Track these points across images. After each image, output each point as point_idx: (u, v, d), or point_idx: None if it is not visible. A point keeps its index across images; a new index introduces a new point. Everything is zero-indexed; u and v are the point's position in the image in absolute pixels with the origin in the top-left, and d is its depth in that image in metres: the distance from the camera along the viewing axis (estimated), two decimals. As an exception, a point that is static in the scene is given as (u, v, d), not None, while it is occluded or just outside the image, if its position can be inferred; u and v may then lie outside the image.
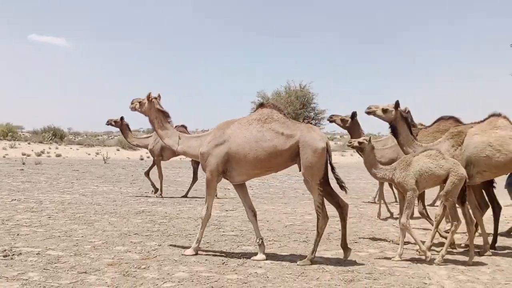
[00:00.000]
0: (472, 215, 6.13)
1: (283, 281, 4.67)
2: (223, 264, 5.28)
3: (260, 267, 5.21)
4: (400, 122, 6.29)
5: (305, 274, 4.94)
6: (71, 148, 37.07)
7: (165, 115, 6.25)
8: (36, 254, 5.44)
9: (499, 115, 6.30)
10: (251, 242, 6.44)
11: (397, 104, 6.27)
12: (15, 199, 9.96)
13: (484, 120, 6.31)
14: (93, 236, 6.60)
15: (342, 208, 5.58)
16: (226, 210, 9.48)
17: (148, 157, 31.68)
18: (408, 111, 8.03)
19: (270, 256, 5.69)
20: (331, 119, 7.81)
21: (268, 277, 4.80)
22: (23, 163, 19.99)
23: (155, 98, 6.24)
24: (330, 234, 7.20)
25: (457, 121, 6.92)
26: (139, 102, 6.25)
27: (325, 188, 5.48)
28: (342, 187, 5.65)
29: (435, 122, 7.20)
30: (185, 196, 11.69)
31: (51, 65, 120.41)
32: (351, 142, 5.92)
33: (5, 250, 5.51)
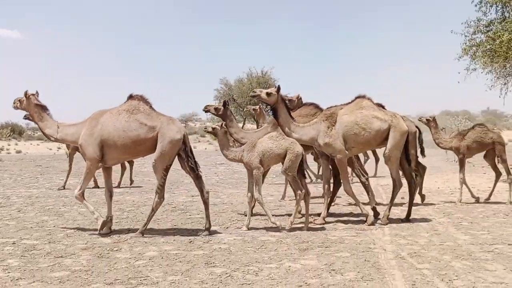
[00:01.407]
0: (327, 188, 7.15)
1: (245, 253, 5.19)
2: (190, 242, 5.75)
3: (224, 243, 5.70)
4: (280, 105, 6.75)
5: (265, 247, 5.48)
6: (31, 144, 36.40)
7: (43, 108, 6.72)
8: (12, 244, 5.74)
9: (363, 96, 7.01)
10: (215, 223, 6.91)
11: (278, 89, 6.75)
12: (-19, 196, 10.06)
13: (352, 101, 7.00)
14: (65, 225, 6.91)
15: (203, 194, 6.31)
16: (192, 196, 9.91)
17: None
18: (300, 98, 8.58)
19: (234, 234, 6.21)
20: (206, 109, 8.16)
21: (231, 251, 5.31)
22: (-16, 161, 19.69)
23: (33, 94, 6.71)
24: (291, 211, 7.79)
25: (316, 107, 7.83)
26: (19, 101, 6.76)
27: (193, 175, 6.27)
28: (196, 171, 6.28)
29: (298, 107, 8.03)
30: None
31: (4, 57, 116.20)
32: (206, 128, 6.86)
33: (-20, 242, 5.77)
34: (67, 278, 4.36)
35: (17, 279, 4.33)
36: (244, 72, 39.32)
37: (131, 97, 6.39)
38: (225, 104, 8.01)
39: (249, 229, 6.45)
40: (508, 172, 8.66)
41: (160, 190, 6.14)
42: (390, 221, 6.92)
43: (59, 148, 32.21)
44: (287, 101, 7.19)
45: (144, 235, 6.11)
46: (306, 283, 4.14)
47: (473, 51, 10.97)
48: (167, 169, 6.13)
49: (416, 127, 8.38)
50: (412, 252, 5.14)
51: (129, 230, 6.50)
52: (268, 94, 6.69)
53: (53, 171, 16.37)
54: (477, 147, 8.72)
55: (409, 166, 7.17)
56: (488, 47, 10.44)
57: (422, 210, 7.92)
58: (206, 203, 6.33)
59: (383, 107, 7.21)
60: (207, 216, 6.26)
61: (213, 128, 6.68)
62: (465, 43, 11.12)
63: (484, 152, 8.98)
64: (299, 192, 6.41)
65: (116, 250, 5.40)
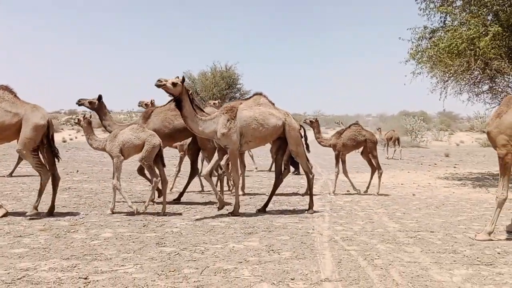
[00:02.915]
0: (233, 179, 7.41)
1: (194, 236, 5.65)
2: (143, 226, 6.16)
3: (176, 227, 6.15)
4: (185, 97, 6.69)
5: (213, 230, 5.96)
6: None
7: None
8: (-30, 224, 5.99)
9: (261, 94, 7.40)
10: (170, 210, 7.34)
11: (183, 79, 6.73)
12: None
13: (250, 97, 7.41)
14: (23, 209, 7.16)
15: (55, 178, 6.90)
16: (149, 185, 10.24)
17: (71, 139, 31.35)
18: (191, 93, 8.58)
19: (186, 219, 6.66)
20: (80, 103, 8.26)
21: (182, 233, 5.76)
22: None
23: None
24: (241, 201, 8.30)
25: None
26: None
27: (50, 160, 6.84)
28: (57, 156, 6.88)
29: (168, 102, 8.22)
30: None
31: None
32: (72, 119, 7.42)
33: None
34: (26, 254, 4.70)
35: (-23, 255, 4.64)
36: (208, 66, 39.58)
37: None
38: (99, 98, 8.16)
39: (165, 214, 6.93)
40: (378, 167, 9.65)
41: (41, 168, 6.69)
42: (334, 210, 7.53)
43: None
44: (190, 93, 7.14)
45: (99, 219, 6.47)
46: (245, 260, 4.64)
47: (418, 56, 11.78)
48: (34, 150, 6.64)
49: (300, 125, 9.31)
50: (345, 237, 5.74)
51: (86, 215, 6.84)
52: (173, 84, 6.52)
53: (11, 158, 16.28)
54: (352, 144, 9.66)
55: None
56: (431, 53, 11.25)
57: (363, 201, 8.59)
58: (53, 187, 6.90)
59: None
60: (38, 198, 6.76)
61: (78, 119, 7.22)
62: (412, 49, 11.93)
63: (361, 149, 9.93)
64: (154, 179, 7.05)
65: (73, 232, 5.74)
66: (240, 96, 40.13)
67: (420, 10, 11.81)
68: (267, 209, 7.50)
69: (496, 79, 12.60)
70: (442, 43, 10.53)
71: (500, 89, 12.95)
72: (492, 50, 10.19)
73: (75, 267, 4.29)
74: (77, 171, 12.93)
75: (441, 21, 11.80)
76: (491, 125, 5.82)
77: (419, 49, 11.83)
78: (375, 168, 9.74)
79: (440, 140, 36.60)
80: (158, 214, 6.96)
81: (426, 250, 5.17)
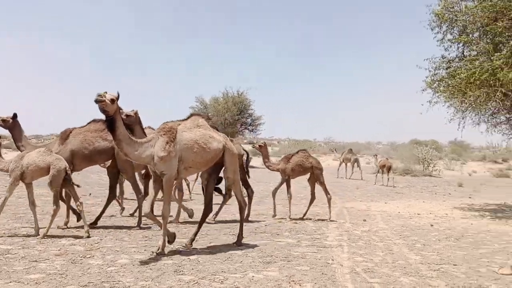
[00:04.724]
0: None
1: (212, 264, 5.53)
2: (160, 253, 6.05)
3: (193, 254, 6.04)
4: (118, 116, 5.85)
5: (231, 259, 5.84)
6: None
7: None
8: (-14, 247, 5.93)
9: (199, 114, 6.86)
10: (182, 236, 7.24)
11: (118, 96, 5.94)
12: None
13: (188, 118, 6.62)
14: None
15: None
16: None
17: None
18: (136, 112, 7.85)
19: (200, 245, 6.56)
20: None
21: (199, 261, 5.65)
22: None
23: None
24: (257, 228, 8.18)
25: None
26: None
27: None
28: None
29: (88, 123, 8.04)
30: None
31: None
32: None
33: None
34: (43, 280, 4.62)
35: (-6, 279, 4.57)
36: (220, 92, 39.95)
37: None
38: (14, 116, 7.97)
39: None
40: (326, 192, 9.68)
41: None
42: (352, 240, 7.38)
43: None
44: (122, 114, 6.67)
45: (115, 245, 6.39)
46: (266, 291, 4.52)
47: (435, 86, 11.74)
48: None
49: (244, 150, 9.53)
50: (366, 268, 5.59)
51: (101, 240, 6.76)
52: (112, 100, 5.56)
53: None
54: (300, 170, 9.62)
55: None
56: (449, 82, 11.21)
57: (381, 232, 8.41)
58: None
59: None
60: None
61: None
62: (429, 77, 11.89)
63: (308, 175, 9.88)
64: (54, 207, 6.83)
65: (89, 257, 5.66)
66: (251, 122, 40.44)
67: (438, 41, 11.81)
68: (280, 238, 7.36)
69: (513, 110, 12.49)
70: (462, 73, 10.48)
71: (517, 120, 12.84)
72: (512, 82, 10.11)
73: (93, 294, 4.20)
74: (90, 194, 12.88)
75: (459, 51, 11.79)
76: None
77: (435, 78, 11.80)
78: (314, 198, 9.83)
79: (452, 169, 36.20)
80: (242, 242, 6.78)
81: (451, 284, 5.01)
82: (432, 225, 9.40)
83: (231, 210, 10.46)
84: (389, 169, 21.04)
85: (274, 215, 9.79)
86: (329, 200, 9.76)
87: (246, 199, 8.63)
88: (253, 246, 6.67)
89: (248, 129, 40.56)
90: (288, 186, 9.70)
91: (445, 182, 24.49)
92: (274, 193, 9.95)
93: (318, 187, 9.80)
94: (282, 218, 9.54)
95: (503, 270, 5.62)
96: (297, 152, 10.01)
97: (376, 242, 7.36)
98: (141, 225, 7.95)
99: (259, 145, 10.13)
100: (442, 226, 9.45)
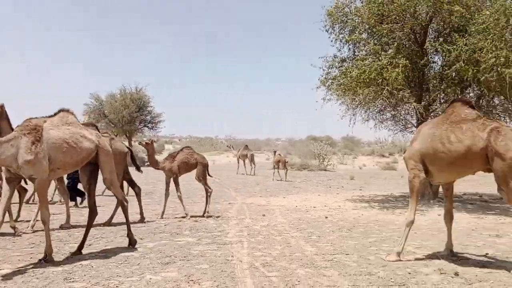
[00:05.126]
0: None
1: (107, 269, 5.26)
2: (48, 260, 5.62)
3: (86, 259, 5.70)
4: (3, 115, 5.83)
5: (128, 262, 5.61)
6: None
7: None
8: None
9: (68, 111, 6.23)
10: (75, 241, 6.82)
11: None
12: None
13: (55, 114, 6.10)
14: None
15: None
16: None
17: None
18: (2, 105, 6.88)
19: (95, 249, 6.22)
20: None
21: (92, 266, 5.34)
22: None
23: None
24: (156, 228, 7.98)
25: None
26: None
27: None
28: None
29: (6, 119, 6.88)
30: None
31: None
32: None
33: None
34: None
35: None
36: (118, 88, 38.36)
37: None
38: None
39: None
40: (207, 187, 9.89)
41: None
42: (252, 235, 7.48)
43: None
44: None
45: (-2, 253, 5.82)
46: (164, 293, 4.40)
47: (329, 84, 12.37)
48: None
49: (128, 147, 9.54)
50: (265, 263, 5.69)
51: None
52: None
53: None
54: (185, 167, 9.90)
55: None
56: (341, 81, 11.87)
57: (279, 225, 8.64)
58: None
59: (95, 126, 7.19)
60: None
61: None
62: (322, 76, 12.52)
63: (195, 171, 10.03)
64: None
65: (-36, 269, 5.10)
66: (151, 119, 39.35)
67: (331, 41, 12.46)
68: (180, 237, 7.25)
69: (398, 107, 13.59)
70: (353, 71, 11.15)
71: (401, 117, 13.99)
72: (398, 81, 10.98)
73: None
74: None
75: (350, 51, 12.53)
76: (406, 150, 6.24)
77: (329, 77, 12.42)
78: (208, 191, 9.90)
79: (345, 163, 38.41)
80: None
81: (344, 273, 5.27)
82: (326, 217, 9.86)
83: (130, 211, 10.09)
84: (284, 164, 21.79)
85: (162, 217, 9.41)
86: (209, 194, 9.80)
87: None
88: (152, 247, 6.48)
89: (147, 126, 39.30)
90: (177, 184, 9.56)
91: (339, 175, 25.88)
92: (166, 195, 9.62)
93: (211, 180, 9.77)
94: (182, 217, 9.40)
95: (389, 257, 6.04)
96: (181, 150, 9.94)
97: (274, 236, 7.53)
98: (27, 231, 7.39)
99: (146, 143, 9.81)
100: (336, 217, 9.95)
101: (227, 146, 34.98)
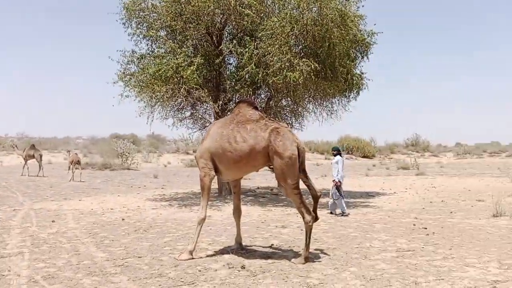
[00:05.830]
0: None
1: None
2: None
3: None
4: None
5: None
6: None
7: None
8: None
9: None
10: None
11: None
12: None
13: None
14: None
15: None
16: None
17: None
18: None
19: None
20: None
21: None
22: None
23: None
24: None
25: None
26: None
27: None
28: None
29: None
30: None
31: None
32: None
33: None
34: None
35: None
36: None
37: None
38: None
39: None
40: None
41: None
42: (36, 245, 6.76)
43: None
44: None
45: None
46: None
47: (127, 79, 12.01)
48: None
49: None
50: (47, 275, 5.21)
51: None
52: None
53: None
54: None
55: None
56: (139, 77, 11.65)
57: (70, 232, 8.04)
58: None
59: None
60: None
61: None
62: (120, 71, 12.11)
63: None
64: None
65: None
66: None
67: (129, 35, 12.13)
68: None
69: (197, 106, 13.98)
70: (151, 68, 11.03)
71: (200, 116, 14.41)
72: (194, 80, 11.26)
73: None
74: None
75: (148, 48, 12.39)
76: (197, 149, 6.41)
77: (127, 72, 12.07)
78: None
79: (150, 162, 38.02)
80: None
81: (133, 278, 5.16)
82: (123, 219, 9.56)
83: None
84: (78, 163, 20.69)
85: None
86: None
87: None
88: None
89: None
90: None
91: (142, 174, 25.50)
92: None
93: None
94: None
95: (182, 256, 6.12)
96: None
97: (62, 244, 6.97)
98: None
99: None
100: (133, 219, 9.73)
101: (11, 145, 31.25)
